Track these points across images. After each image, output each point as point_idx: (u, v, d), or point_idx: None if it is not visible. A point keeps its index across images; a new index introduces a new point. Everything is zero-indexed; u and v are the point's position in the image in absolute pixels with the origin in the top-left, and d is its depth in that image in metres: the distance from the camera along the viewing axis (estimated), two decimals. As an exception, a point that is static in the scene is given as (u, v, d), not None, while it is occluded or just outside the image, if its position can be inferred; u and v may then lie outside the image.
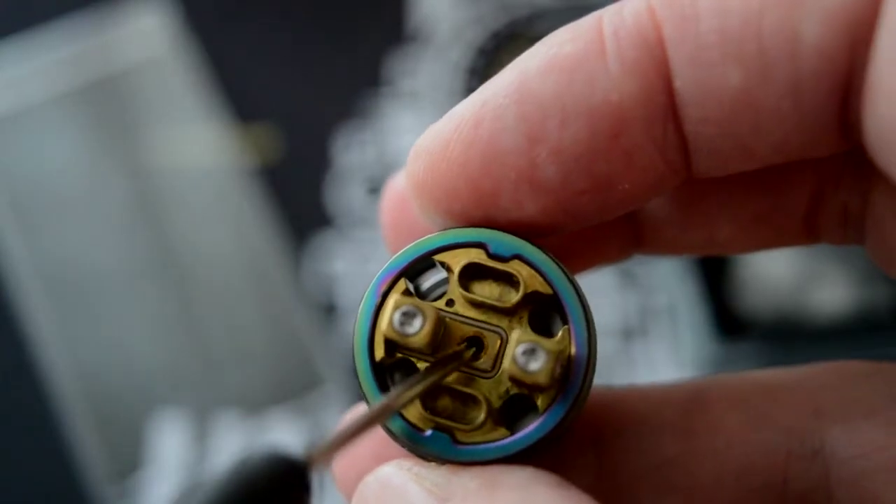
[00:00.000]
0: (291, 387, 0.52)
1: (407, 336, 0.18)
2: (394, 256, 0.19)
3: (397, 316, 0.18)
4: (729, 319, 0.48)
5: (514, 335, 0.18)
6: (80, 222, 0.56)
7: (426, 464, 0.18)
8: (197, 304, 0.54)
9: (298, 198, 0.56)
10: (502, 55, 0.58)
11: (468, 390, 0.19)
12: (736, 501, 0.21)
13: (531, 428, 0.18)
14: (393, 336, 0.18)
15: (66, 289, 0.54)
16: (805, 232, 0.22)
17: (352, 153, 0.57)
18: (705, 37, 0.17)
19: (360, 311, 0.19)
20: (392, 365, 0.19)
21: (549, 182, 0.18)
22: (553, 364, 0.18)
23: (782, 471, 0.21)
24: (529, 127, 0.18)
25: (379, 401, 0.18)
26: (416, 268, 0.19)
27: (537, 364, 0.18)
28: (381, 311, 0.19)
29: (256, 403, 0.51)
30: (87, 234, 0.55)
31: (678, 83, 0.18)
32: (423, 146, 0.19)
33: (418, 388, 0.18)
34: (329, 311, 0.53)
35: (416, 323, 0.18)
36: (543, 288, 0.19)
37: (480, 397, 0.19)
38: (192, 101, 0.58)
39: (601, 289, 0.52)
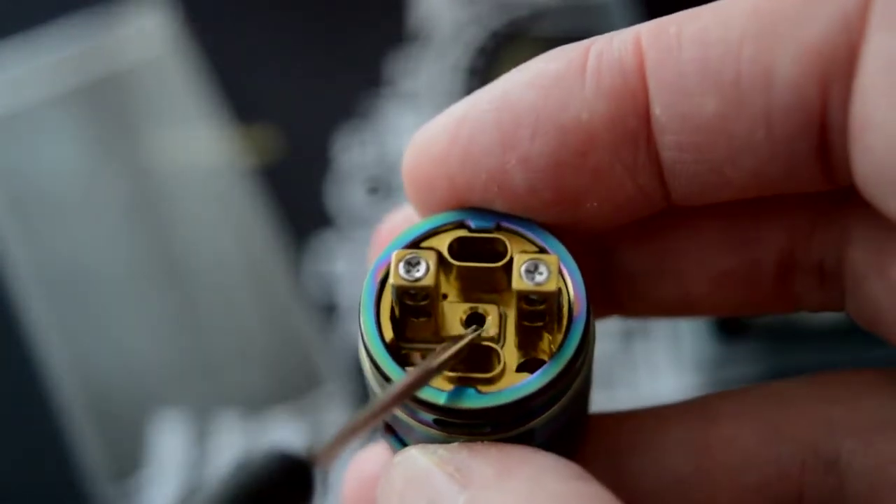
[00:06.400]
0: (291, 387, 0.52)
1: (416, 281, 0.19)
2: (381, 252, 0.20)
3: (402, 266, 0.19)
4: (729, 319, 0.48)
5: (518, 259, 0.19)
6: (79, 222, 0.56)
7: (449, 446, 0.18)
8: (197, 304, 0.54)
9: (298, 198, 0.56)
10: (502, 55, 0.58)
11: (483, 344, 0.19)
12: None
13: (550, 362, 0.19)
14: (402, 284, 0.19)
15: (65, 288, 0.54)
16: (780, 292, 0.22)
17: (352, 153, 0.57)
18: (685, 66, 0.18)
19: (361, 304, 0.19)
20: (402, 357, 0.19)
21: (516, 187, 0.19)
22: (557, 271, 0.19)
23: (798, 484, 0.21)
24: (503, 134, 0.19)
25: (394, 383, 0.19)
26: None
27: (543, 276, 0.19)
28: (381, 297, 0.20)
29: (256, 403, 0.51)
30: (86, 234, 0.55)
31: (657, 110, 0.18)
32: (415, 140, 0.20)
33: (430, 370, 0.18)
34: (329, 311, 0.53)
35: (422, 266, 0.19)
36: (529, 247, 0.20)
37: (496, 352, 0.19)
38: (192, 101, 0.58)
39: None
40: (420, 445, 0.19)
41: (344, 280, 0.54)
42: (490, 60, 0.58)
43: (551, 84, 0.19)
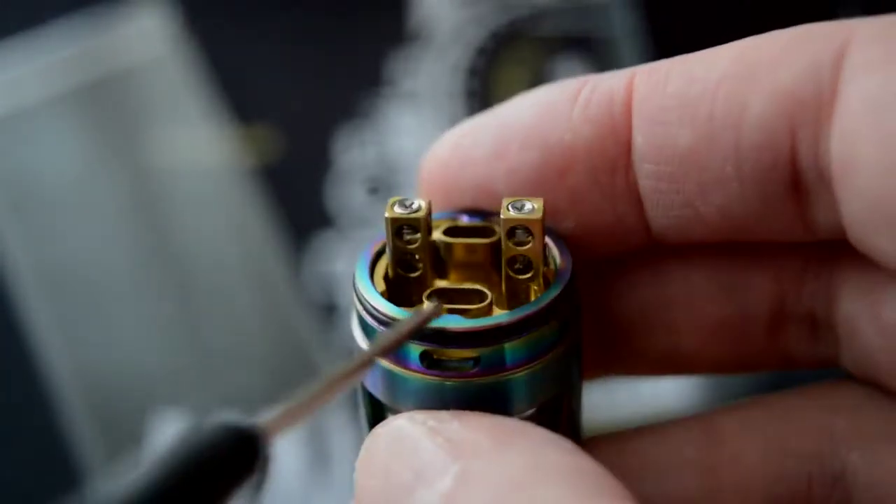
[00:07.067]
0: (291, 387, 0.51)
1: (412, 213, 0.20)
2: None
3: (397, 205, 0.20)
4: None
5: (505, 200, 0.20)
6: (79, 222, 0.56)
7: (439, 415, 0.18)
8: (197, 303, 0.54)
9: (298, 198, 0.56)
10: (502, 55, 0.58)
11: (471, 287, 0.21)
12: None
13: (532, 302, 0.20)
14: (398, 215, 0.20)
15: (65, 288, 0.54)
16: (773, 346, 0.22)
17: (352, 153, 0.57)
18: (668, 99, 0.19)
19: (356, 266, 0.21)
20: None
21: (500, 197, 0.20)
22: (542, 208, 0.20)
23: (806, 499, 0.21)
24: (496, 145, 0.21)
25: (359, 354, 0.19)
26: None
27: (528, 207, 0.20)
28: (376, 264, 0.21)
29: (256, 403, 0.51)
30: (86, 234, 0.55)
31: (638, 139, 0.19)
32: (432, 148, 0.22)
33: (402, 333, 0.19)
34: (329, 311, 0.53)
35: (415, 204, 0.20)
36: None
37: (484, 291, 0.20)
38: (192, 101, 0.58)
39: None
40: (406, 414, 0.18)
41: (344, 280, 0.54)
42: (490, 60, 0.58)
43: (544, 108, 0.20)
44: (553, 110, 0.20)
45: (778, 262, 0.22)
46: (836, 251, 0.21)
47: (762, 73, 0.18)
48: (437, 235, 0.21)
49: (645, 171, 0.20)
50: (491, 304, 0.20)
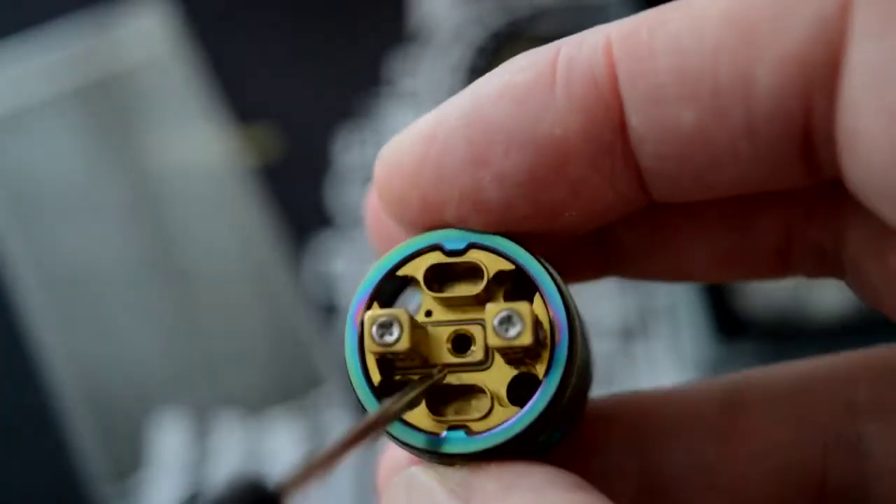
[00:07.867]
0: (291, 387, 0.52)
1: (390, 345, 0.18)
2: (360, 285, 0.20)
3: (375, 329, 0.19)
4: (729, 319, 0.48)
5: (490, 311, 0.18)
6: (79, 222, 0.56)
7: (450, 467, 0.18)
8: (197, 303, 0.54)
9: (298, 198, 0.56)
10: (502, 55, 0.58)
11: (469, 382, 0.19)
12: (777, 499, 0.21)
13: (536, 397, 0.18)
14: (378, 350, 0.19)
15: (65, 289, 0.54)
16: (778, 267, 0.22)
17: (352, 153, 0.57)
18: (661, 76, 0.17)
19: (345, 346, 0.19)
20: (394, 386, 0.19)
21: (491, 204, 0.19)
22: (531, 323, 0.18)
23: (821, 467, 0.21)
24: (475, 151, 0.19)
25: (366, 417, 0.18)
26: (386, 290, 0.20)
27: (516, 329, 0.18)
28: (364, 338, 0.19)
29: (256, 403, 0.51)
30: (86, 234, 0.55)
31: (633, 120, 0.18)
32: (384, 156, 0.20)
33: (403, 401, 0.18)
34: (329, 311, 0.53)
35: (395, 331, 0.19)
36: (505, 266, 0.19)
37: (483, 387, 0.19)
38: (192, 101, 0.58)
39: (601, 289, 0.52)
40: (420, 464, 0.19)
41: (344, 280, 0.54)
42: (490, 60, 0.58)
43: (521, 97, 0.18)
44: (531, 100, 0.18)
45: (786, 202, 0.21)
46: (843, 192, 0.19)
47: (763, 38, 0.17)
48: (419, 273, 0.19)
49: (647, 152, 0.18)
50: (492, 405, 0.19)
